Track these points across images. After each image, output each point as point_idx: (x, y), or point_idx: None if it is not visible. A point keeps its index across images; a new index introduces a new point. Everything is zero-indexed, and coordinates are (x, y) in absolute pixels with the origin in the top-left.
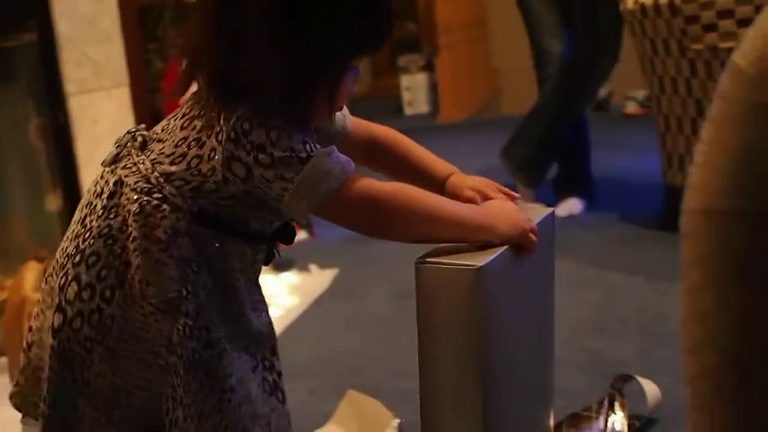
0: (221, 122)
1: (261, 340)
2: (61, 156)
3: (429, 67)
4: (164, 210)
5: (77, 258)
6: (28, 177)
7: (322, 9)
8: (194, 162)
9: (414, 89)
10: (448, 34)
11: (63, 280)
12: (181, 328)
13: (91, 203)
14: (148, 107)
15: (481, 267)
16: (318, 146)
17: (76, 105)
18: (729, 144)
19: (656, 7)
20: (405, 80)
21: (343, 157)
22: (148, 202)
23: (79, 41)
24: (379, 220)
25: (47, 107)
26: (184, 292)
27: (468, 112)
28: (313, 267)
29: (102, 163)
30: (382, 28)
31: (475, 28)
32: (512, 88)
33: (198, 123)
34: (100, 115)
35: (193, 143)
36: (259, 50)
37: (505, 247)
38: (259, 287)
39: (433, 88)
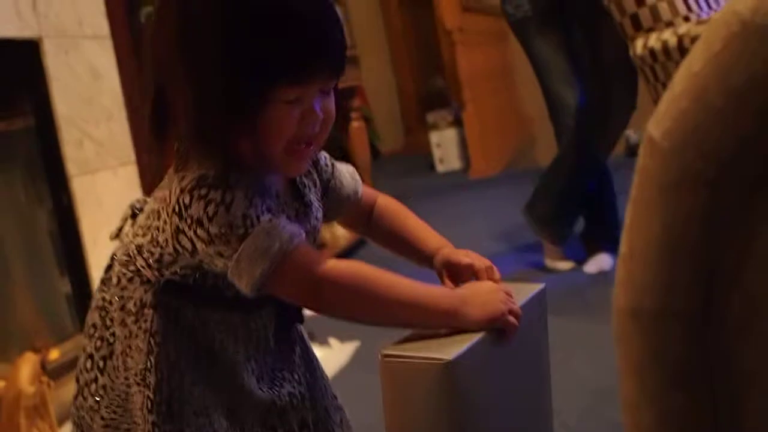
0: (172, 193)
1: (282, 413)
2: (66, 238)
3: (458, 122)
4: (135, 282)
5: (85, 329)
6: (35, 260)
7: (215, 36)
8: (155, 233)
9: (444, 145)
10: (473, 87)
11: (81, 351)
12: (144, 400)
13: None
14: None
15: (450, 361)
16: (263, 216)
17: (80, 186)
18: (651, 230)
19: (665, 50)
20: (435, 137)
21: (289, 231)
22: (124, 274)
23: (79, 121)
24: (322, 302)
25: (49, 190)
26: (148, 364)
27: (500, 164)
28: (332, 340)
29: (109, 237)
30: (298, 54)
31: (502, 77)
32: (546, 135)
33: (163, 193)
34: (106, 194)
35: (156, 214)
36: (174, 93)
37: (481, 334)
38: (284, 356)
39: (464, 143)
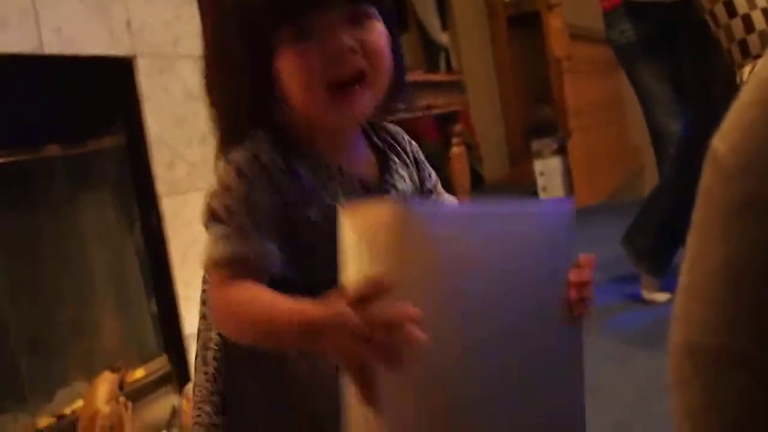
0: None
1: None
2: (154, 258)
3: (563, 151)
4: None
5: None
6: (121, 279)
7: (214, 15)
8: None
9: (548, 174)
10: (580, 117)
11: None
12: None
13: None
14: None
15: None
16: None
17: (169, 207)
18: (712, 258)
19: None
20: (538, 164)
21: (249, 254)
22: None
23: (171, 142)
24: (219, 315)
25: (139, 210)
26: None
27: (605, 194)
28: None
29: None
30: None
31: (610, 107)
32: (654, 165)
33: None
34: (195, 216)
35: None
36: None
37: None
38: None
39: (568, 172)
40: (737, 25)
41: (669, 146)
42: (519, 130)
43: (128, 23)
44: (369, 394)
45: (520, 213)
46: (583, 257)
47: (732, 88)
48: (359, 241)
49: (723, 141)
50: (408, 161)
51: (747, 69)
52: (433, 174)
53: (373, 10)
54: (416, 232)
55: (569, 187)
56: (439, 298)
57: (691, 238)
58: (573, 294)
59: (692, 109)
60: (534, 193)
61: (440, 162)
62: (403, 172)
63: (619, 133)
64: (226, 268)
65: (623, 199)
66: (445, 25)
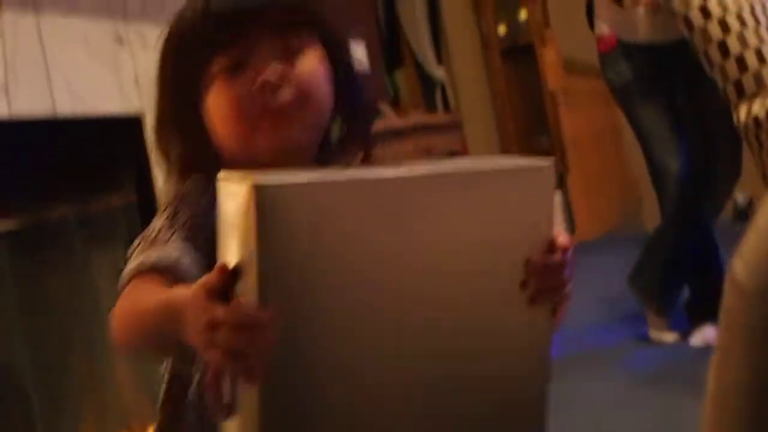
0: None
1: None
2: None
3: (560, 184)
4: None
5: None
6: None
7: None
8: None
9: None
10: (578, 148)
11: None
12: None
13: None
14: None
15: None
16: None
17: None
18: (733, 377)
19: None
20: None
21: (152, 258)
22: None
23: None
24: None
25: None
26: None
27: (605, 227)
28: None
29: None
30: (205, 13)
31: (607, 138)
32: (652, 197)
33: None
34: None
35: None
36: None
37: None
38: None
39: (567, 206)
40: (731, 66)
41: (669, 184)
42: None
43: (136, 79)
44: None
45: (471, 172)
46: (559, 235)
47: (728, 127)
48: (231, 217)
49: (742, 264)
50: None
51: (743, 109)
52: None
53: (311, 42)
54: (279, 212)
55: (569, 220)
56: (322, 288)
57: (715, 359)
58: (536, 281)
59: (690, 146)
60: None
61: None
62: None
63: (617, 166)
64: (128, 278)
65: (623, 233)
66: (441, 59)
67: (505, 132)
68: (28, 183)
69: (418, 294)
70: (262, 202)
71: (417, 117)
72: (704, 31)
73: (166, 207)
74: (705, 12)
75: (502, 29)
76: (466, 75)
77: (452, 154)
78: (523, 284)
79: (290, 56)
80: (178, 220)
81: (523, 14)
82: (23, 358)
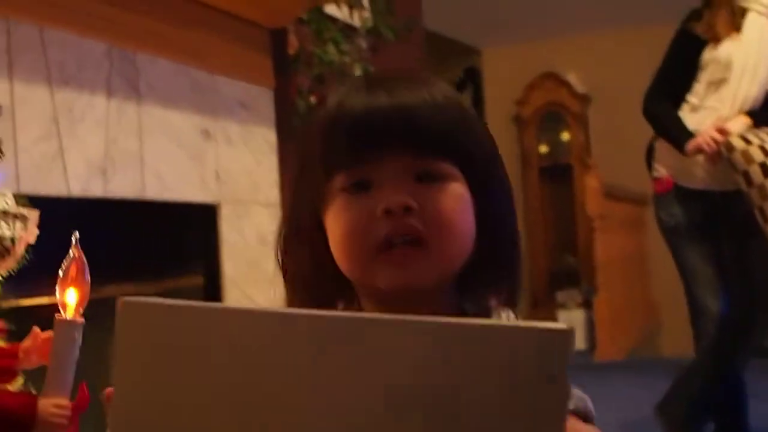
0: None
1: None
2: None
3: (586, 304)
4: None
5: None
6: None
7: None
8: None
9: (571, 325)
10: (607, 271)
11: None
12: None
13: None
14: None
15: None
16: None
17: None
18: None
19: None
20: (562, 315)
21: None
22: None
23: (243, 283)
24: None
25: None
26: None
27: (626, 349)
28: None
29: None
30: (336, 129)
31: (635, 263)
32: (671, 324)
33: None
34: None
35: None
36: None
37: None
38: None
39: (590, 325)
40: None
41: (708, 324)
42: (542, 277)
43: (217, 174)
44: None
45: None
46: None
47: None
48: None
49: None
50: None
51: None
52: None
53: (452, 170)
54: (137, 328)
55: (591, 341)
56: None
57: None
58: None
59: (732, 291)
60: None
61: None
62: None
63: (641, 291)
64: None
65: (642, 357)
66: None
67: (534, 247)
68: (113, 258)
69: None
70: (124, 316)
71: None
72: (762, 188)
73: None
74: (765, 169)
75: (543, 148)
76: None
77: None
78: None
79: (425, 182)
80: None
81: (565, 136)
82: None
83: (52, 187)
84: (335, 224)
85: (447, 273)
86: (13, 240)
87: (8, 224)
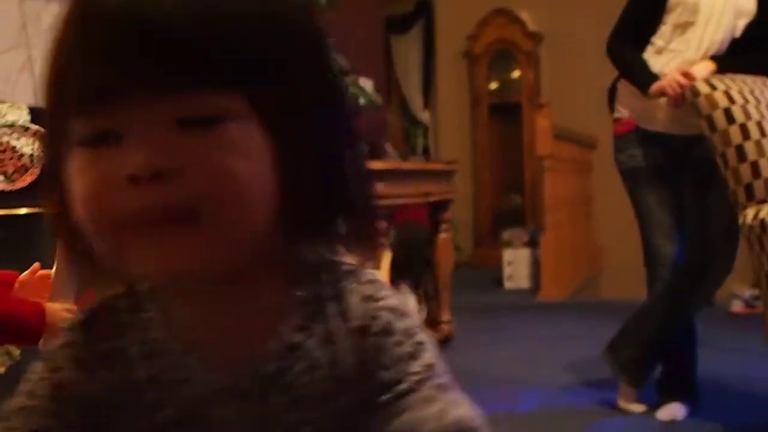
0: None
1: None
2: None
3: (532, 243)
4: None
5: None
6: None
7: None
8: None
9: (515, 264)
10: (555, 212)
11: None
12: None
13: None
14: None
15: None
16: None
17: None
18: None
19: None
20: (508, 254)
21: None
22: None
23: None
24: None
25: None
26: None
27: (568, 291)
28: None
29: None
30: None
31: (581, 206)
32: (611, 269)
33: None
34: None
35: None
36: None
37: None
38: None
39: (535, 265)
40: (745, 170)
41: (662, 269)
42: (487, 215)
43: None
44: None
45: None
46: None
47: (727, 225)
48: None
49: None
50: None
51: (750, 212)
52: (407, 379)
53: (231, 105)
54: None
55: (535, 279)
56: None
57: None
58: None
59: (689, 237)
60: (498, 280)
61: (426, 246)
62: (319, 353)
63: (585, 234)
64: None
65: (582, 299)
66: (427, 104)
67: (480, 183)
68: None
69: None
70: None
71: (417, 162)
72: (725, 134)
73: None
74: (729, 115)
75: (493, 85)
76: (451, 123)
77: (445, 201)
78: None
79: (189, 126)
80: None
81: (515, 73)
82: None
83: (21, 97)
84: (75, 187)
85: (239, 250)
86: (32, 158)
87: (27, 141)
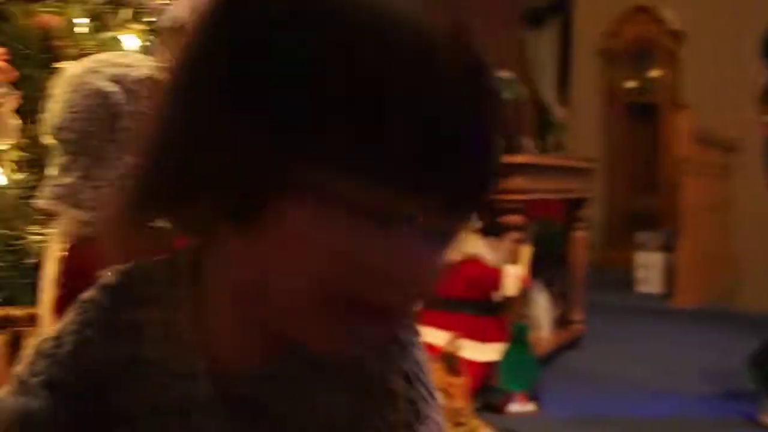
0: None
1: None
2: None
3: (666, 247)
4: None
5: None
6: None
7: None
8: None
9: (649, 267)
10: (692, 217)
11: None
12: None
13: None
14: None
15: None
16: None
17: None
18: None
19: None
20: (641, 257)
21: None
22: None
23: None
24: None
25: None
26: None
27: (703, 299)
28: None
29: None
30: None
31: (719, 212)
32: (751, 280)
33: None
34: None
35: None
36: None
37: None
38: None
39: (669, 269)
40: None
41: None
42: (620, 216)
43: None
44: None
45: None
46: None
47: None
48: None
49: None
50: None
51: None
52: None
53: None
54: None
55: (668, 284)
56: None
57: None
58: None
59: None
60: (628, 284)
61: (561, 244)
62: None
63: (723, 242)
64: None
65: (719, 309)
66: (560, 100)
67: (614, 184)
68: None
69: None
70: None
71: (556, 157)
72: None
73: None
74: None
75: (630, 83)
76: (586, 121)
77: (583, 199)
78: None
79: (444, 232)
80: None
81: (654, 72)
82: None
83: None
84: (299, 240)
85: None
86: None
87: None
